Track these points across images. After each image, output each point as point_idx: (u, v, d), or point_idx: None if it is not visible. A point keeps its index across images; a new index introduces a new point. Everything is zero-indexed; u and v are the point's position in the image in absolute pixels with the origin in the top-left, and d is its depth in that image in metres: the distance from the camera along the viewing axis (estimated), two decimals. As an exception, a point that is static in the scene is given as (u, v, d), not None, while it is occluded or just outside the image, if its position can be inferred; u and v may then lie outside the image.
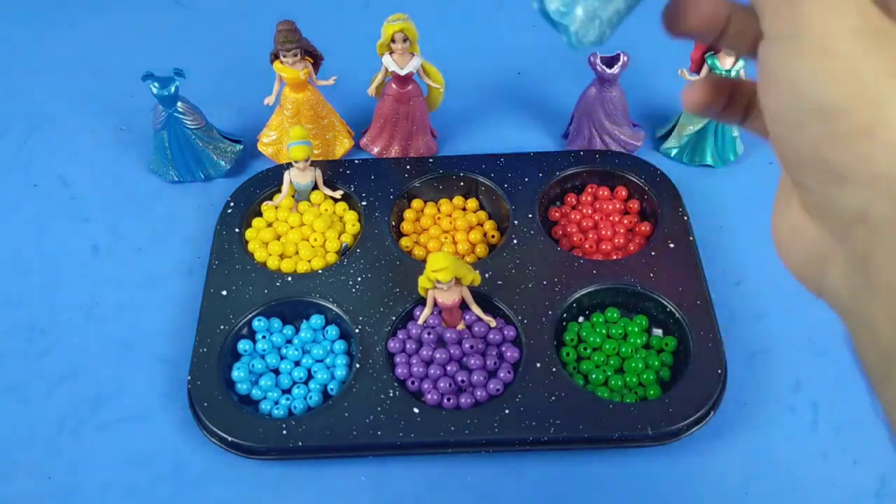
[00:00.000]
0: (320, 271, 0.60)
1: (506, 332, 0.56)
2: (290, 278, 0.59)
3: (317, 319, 0.58)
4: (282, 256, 0.62)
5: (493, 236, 0.64)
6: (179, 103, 0.66)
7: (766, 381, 0.56)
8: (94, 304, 0.62)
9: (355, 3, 0.89)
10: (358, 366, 0.54)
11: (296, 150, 0.61)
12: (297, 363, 0.57)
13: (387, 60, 0.65)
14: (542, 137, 0.74)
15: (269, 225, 0.64)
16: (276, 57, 0.65)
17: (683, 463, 0.53)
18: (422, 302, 0.57)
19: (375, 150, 0.71)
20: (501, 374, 0.54)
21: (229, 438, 0.51)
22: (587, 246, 0.63)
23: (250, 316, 0.57)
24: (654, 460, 0.53)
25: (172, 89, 0.64)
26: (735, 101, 0.28)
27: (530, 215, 0.62)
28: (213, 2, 0.90)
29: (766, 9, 0.21)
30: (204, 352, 0.55)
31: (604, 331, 0.57)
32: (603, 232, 0.63)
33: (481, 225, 0.65)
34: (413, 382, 0.54)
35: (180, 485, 0.53)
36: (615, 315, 0.58)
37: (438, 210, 0.66)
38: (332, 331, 0.58)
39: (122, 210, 0.69)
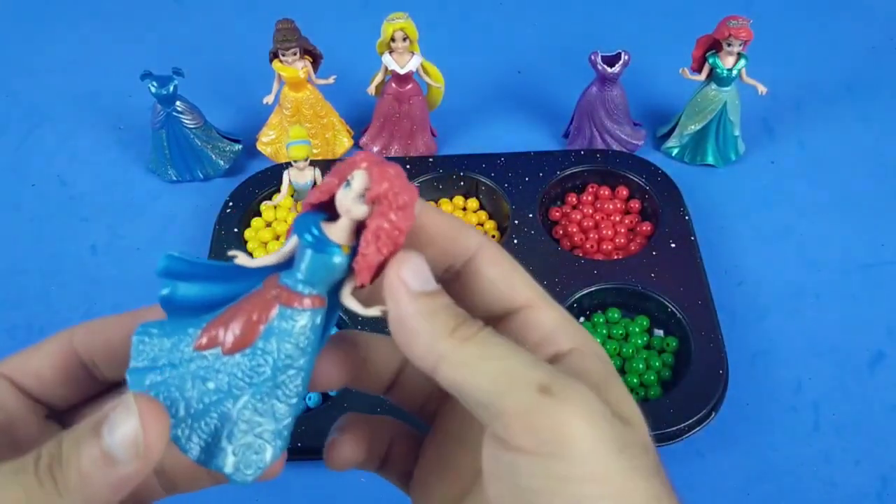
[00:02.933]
0: (320, 271, 0.60)
1: (506, 333, 0.56)
2: (289, 278, 0.59)
3: (316, 320, 0.58)
4: (281, 256, 0.62)
5: (493, 236, 0.64)
6: (178, 102, 0.65)
7: (768, 382, 0.56)
8: (93, 304, 0.62)
9: (355, 1, 0.89)
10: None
11: (295, 149, 0.61)
12: (296, 364, 0.56)
13: (386, 59, 0.64)
14: (542, 137, 0.74)
15: (268, 225, 0.64)
16: (275, 56, 0.65)
17: (685, 464, 0.52)
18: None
19: (375, 149, 0.71)
20: (502, 375, 0.54)
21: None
22: (588, 246, 0.62)
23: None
24: (656, 461, 0.52)
25: (171, 88, 0.64)
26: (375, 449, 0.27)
27: (531, 215, 0.62)
28: (212, 0, 0.89)
29: (512, 419, 0.19)
30: (203, 352, 0.55)
31: (605, 331, 0.57)
32: (604, 232, 0.63)
33: (482, 225, 0.64)
34: (413, 383, 0.54)
35: (179, 486, 0.52)
36: (616, 315, 0.58)
37: (438, 210, 0.65)
38: (332, 331, 0.58)
39: (120, 210, 0.69)
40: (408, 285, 0.20)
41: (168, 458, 0.23)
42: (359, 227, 0.22)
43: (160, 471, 0.24)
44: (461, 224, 0.24)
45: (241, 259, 0.22)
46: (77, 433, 0.20)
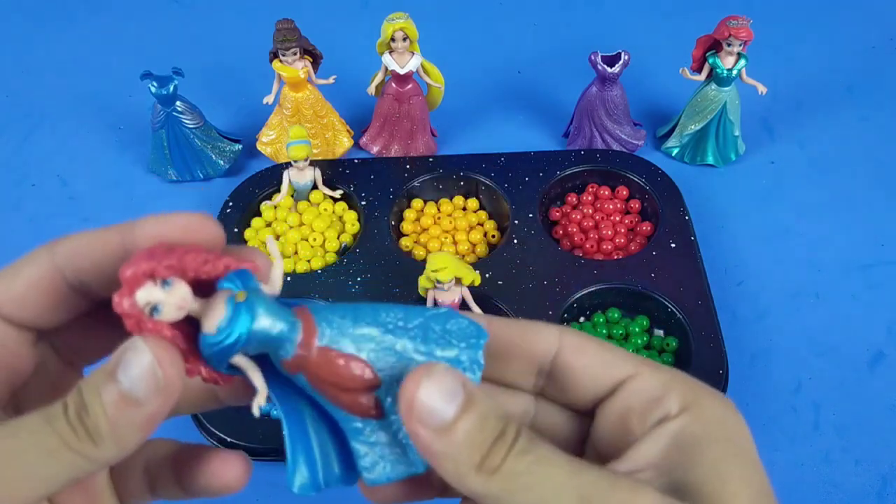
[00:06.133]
0: (319, 271, 0.60)
1: (506, 333, 0.56)
2: (289, 278, 0.59)
3: (316, 320, 0.58)
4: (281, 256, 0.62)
5: (493, 236, 0.64)
6: (178, 102, 0.65)
7: (768, 382, 0.56)
8: (93, 304, 0.62)
9: (355, 1, 0.89)
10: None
11: (295, 149, 0.61)
12: (296, 364, 0.56)
13: (386, 59, 0.64)
14: (542, 137, 0.74)
15: (269, 225, 0.64)
16: (275, 56, 0.65)
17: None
18: (422, 302, 0.57)
19: (375, 149, 0.71)
20: (502, 375, 0.54)
21: (229, 440, 0.51)
22: (588, 246, 0.62)
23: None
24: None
25: (171, 88, 0.64)
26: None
27: (531, 215, 0.62)
28: (211, 0, 0.89)
29: None
30: (203, 352, 0.55)
31: (605, 331, 0.57)
32: (604, 232, 0.63)
33: (482, 225, 0.64)
34: (413, 383, 0.54)
35: (179, 486, 0.52)
36: (616, 315, 0.58)
37: (438, 210, 0.65)
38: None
39: (120, 210, 0.69)
40: (427, 419, 0.20)
41: None
42: (200, 287, 0.21)
43: None
44: (532, 325, 0.24)
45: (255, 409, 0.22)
46: (93, 381, 0.20)
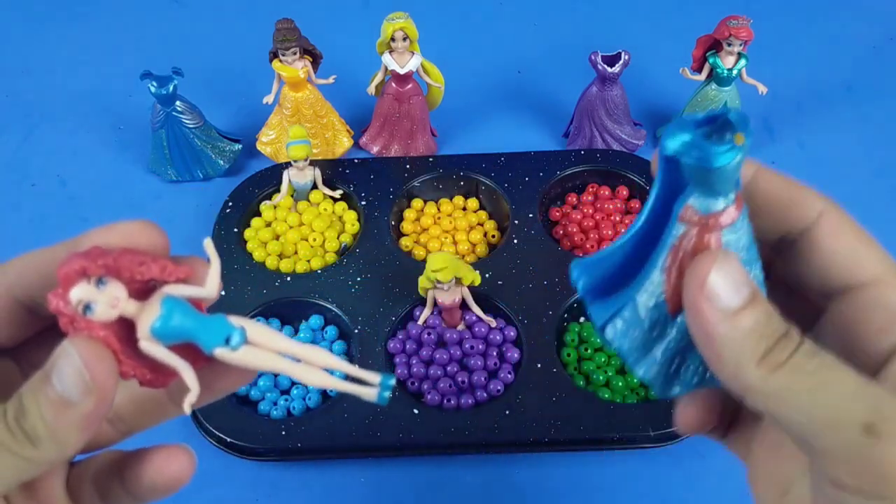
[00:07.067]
0: (319, 271, 0.60)
1: (506, 333, 0.56)
2: (289, 278, 0.59)
3: (316, 320, 0.58)
4: (281, 256, 0.62)
5: (493, 236, 0.64)
6: (178, 102, 0.65)
7: (768, 382, 0.56)
8: (93, 304, 0.62)
9: (355, 1, 0.89)
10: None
11: (295, 149, 0.61)
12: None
13: (386, 59, 0.64)
14: (542, 136, 0.74)
15: (268, 225, 0.64)
16: (275, 55, 0.65)
17: (685, 464, 0.52)
18: (422, 302, 0.57)
19: (375, 149, 0.71)
20: (502, 375, 0.54)
21: (228, 439, 0.51)
22: (588, 246, 0.62)
23: (249, 316, 0.57)
24: (656, 462, 0.52)
25: (171, 88, 0.64)
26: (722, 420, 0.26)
27: (531, 215, 0.62)
28: (211, 0, 0.89)
29: (834, 461, 0.18)
30: (202, 352, 0.55)
31: (605, 331, 0.57)
32: (604, 231, 0.63)
33: (482, 225, 0.64)
34: (413, 383, 0.54)
35: (179, 486, 0.52)
36: (616, 315, 0.58)
37: (438, 210, 0.65)
38: (332, 331, 0.58)
39: (120, 210, 0.69)
40: (715, 301, 0.19)
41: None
42: (138, 290, 0.21)
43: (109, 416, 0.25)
44: (801, 188, 0.22)
45: None
46: (32, 385, 0.20)
